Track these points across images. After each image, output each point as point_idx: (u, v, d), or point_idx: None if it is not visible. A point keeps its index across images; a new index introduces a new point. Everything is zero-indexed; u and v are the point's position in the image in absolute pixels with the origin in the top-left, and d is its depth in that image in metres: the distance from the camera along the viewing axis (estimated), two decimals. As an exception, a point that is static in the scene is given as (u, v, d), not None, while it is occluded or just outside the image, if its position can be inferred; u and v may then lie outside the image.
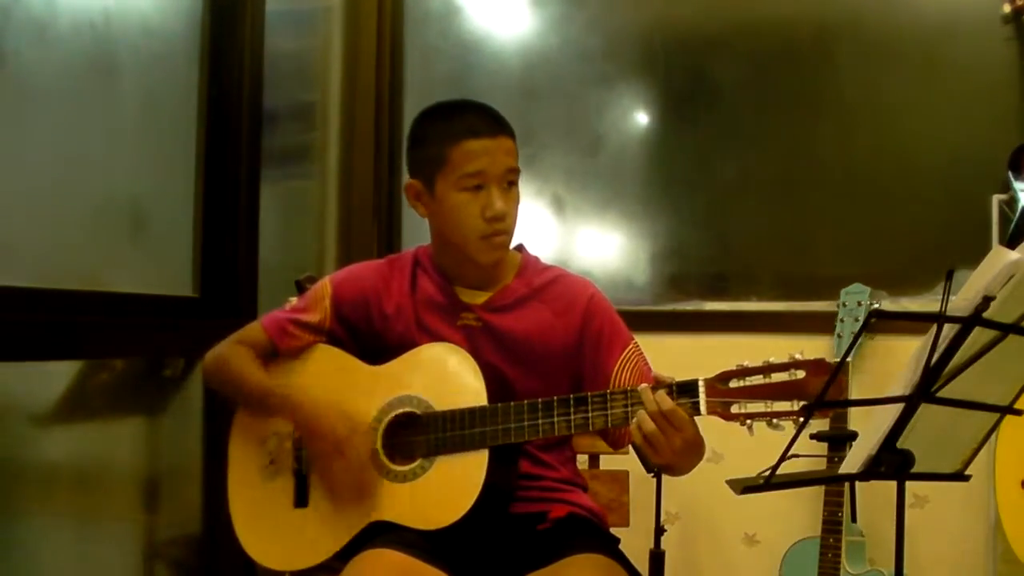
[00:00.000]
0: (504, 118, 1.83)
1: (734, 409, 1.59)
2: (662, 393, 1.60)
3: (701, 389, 1.60)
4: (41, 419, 2.31)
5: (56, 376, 2.32)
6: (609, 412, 1.66)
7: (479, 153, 1.77)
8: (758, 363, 1.59)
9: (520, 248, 1.96)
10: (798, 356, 1.58)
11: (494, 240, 1.81)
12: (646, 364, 1.86)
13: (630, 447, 1.87)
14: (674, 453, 1.61)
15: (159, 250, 2.60)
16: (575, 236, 3.12)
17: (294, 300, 2.01)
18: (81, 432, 2.42)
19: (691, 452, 1.66)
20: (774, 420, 1.57)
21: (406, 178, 1.89)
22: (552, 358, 1.86)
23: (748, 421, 1.58)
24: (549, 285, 1.90)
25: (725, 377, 1.60)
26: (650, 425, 1.59)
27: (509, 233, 1.83)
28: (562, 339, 1.86)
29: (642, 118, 3.13)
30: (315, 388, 1.87)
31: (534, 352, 1.85)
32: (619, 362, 1.84)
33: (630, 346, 1.87)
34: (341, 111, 3.21)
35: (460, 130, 1.78)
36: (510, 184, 1.82)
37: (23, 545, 2.26)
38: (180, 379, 2.65)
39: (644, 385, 1.62)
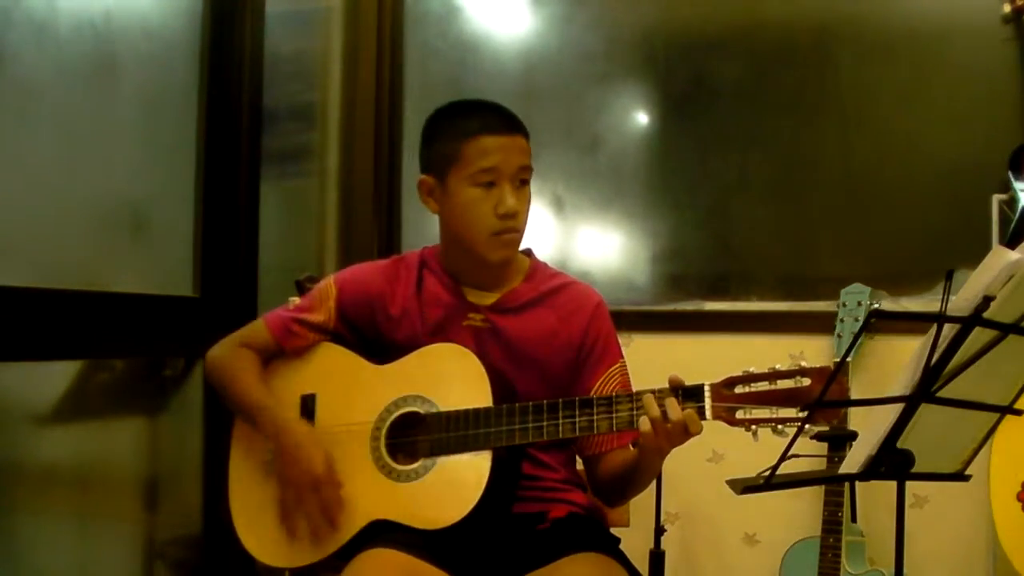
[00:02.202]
0: (519, 118, 1.85)
1: (739, 415, 1.60)
2: (692, 414, 1.59)
3: (707, 394, 1.61)
4: (41, 419, 2.31)
5: (56, 376, 2.32)
6: (615, 416, 1.66)
7: (493, 149, 1.78)
8: (764, 369, 1.60)
9: (529, 253, 1.96)
10: (804, 364, 1.59)
11: (504, 237, 1.81)
12: (628, 384, 1.87)
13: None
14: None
15: (159, 250, 2.60)
16: (575, 236, 3.12)
17: (295, 300, 2.01)
18: (81, 432, 2.42)
19: None
20: (778, 426, 1.58)
21: (417, 175, 1.89)
22: (554, 363, 1.86)
23: (753, 427, 1.59)
24: (557, 291, 1.91)
25: (731, 383, 1.61)
26: (660, 426, 1.60)
27: (519, 231, 1.83)
28: (565, 345, 1.87)
29: (642, 118, 3.13)
30: (318, 389, 1.88)
31: (538, 356, 1.85)
32: (603, 377, 1.86)
33: (617, 364, 1.88)
34: (341, 111, 3.21)
35: (475, 126, 1.79)
36: (523, 183, 1.82)
37: (23, 545, 2.26)
38: (180, 379, 2.65)
39: (690, 411, 1.60)
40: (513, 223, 1.80)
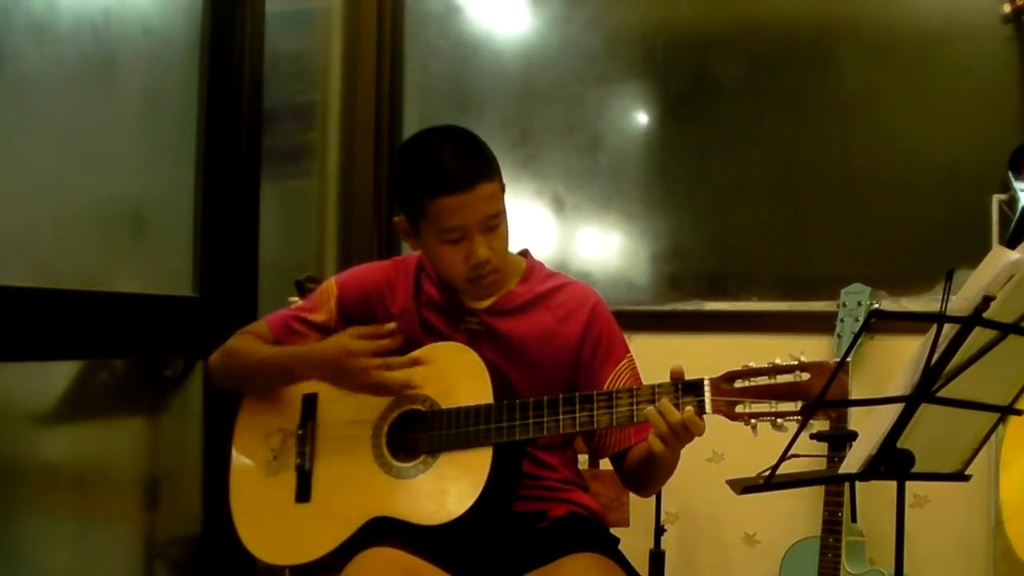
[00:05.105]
0: (483, 156, 1.78)
1: (739, 409, 1.60)
2: (694, 419, 1.60)
3: (707, 388, 1.61)
4: (41, 419, 2.31)
5: (56, 376, 2.32)
6: (614, 411, 1.67)
7: (456, 210, 1.73)
8: (763, 364, 1.60)
9: (525, 253, 1.96)
10: (803, 358, 1.59)
11: (480, 283, 1.81)
12: (638, 379, 1.87)
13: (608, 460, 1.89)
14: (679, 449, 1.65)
15: (159, 250, 2.59)
16: (575, 236, 3.12)
17: (295, 300, 2.01)
18: (81, 432, 2.42)
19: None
20: (778, 420, 1.58)
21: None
22: (553, 364, 1.86)
23: (752, 421, 1.60)
24: (553, 292, 1.91)
25: (731, 377, 1.61)
26: (669, 436, 1.61)
27: (496, 271, 1.82)
28: (563, 345, 1.87)
29: (642, 118, 3.13)
30: (319, 388, 1.88)
31: (535, 357, 1.85)
32: (612, 375, 1.86)
33: (624, 360, 1.88)
34: (341, 111, 3.21)
35: (436, 184, 1.73)
36: (492, 227, 1.79)
37: (23, 545, 2.26)
38: (180, 379, 2.65)
39: (689, 412, 1.61)
40: (487, 268, 1.80)
